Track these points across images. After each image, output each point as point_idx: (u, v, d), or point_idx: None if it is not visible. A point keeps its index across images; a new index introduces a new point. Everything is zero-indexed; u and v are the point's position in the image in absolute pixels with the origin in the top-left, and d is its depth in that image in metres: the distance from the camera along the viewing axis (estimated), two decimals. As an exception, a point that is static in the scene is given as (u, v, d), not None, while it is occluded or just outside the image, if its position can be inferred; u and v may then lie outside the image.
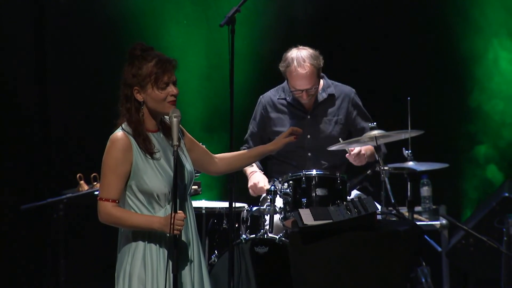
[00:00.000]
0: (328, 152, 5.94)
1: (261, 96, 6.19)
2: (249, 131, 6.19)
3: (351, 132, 6.05)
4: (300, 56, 5.88)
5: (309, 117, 6.06)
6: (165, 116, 4.21)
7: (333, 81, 6.14)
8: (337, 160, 5.98)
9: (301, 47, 5.94)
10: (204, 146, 4.44)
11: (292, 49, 5.93)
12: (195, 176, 4.35)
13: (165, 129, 4.22)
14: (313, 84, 5.90)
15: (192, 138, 4.38)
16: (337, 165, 5.96)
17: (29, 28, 7.39)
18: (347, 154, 5.76)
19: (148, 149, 4.14)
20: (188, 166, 4.23)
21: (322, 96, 6.07)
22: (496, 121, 7.32)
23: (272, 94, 6.14)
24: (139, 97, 4.15)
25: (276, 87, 6.16)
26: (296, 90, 5.91)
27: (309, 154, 6.03)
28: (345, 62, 7.20)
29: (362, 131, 5.97)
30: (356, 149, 5.77)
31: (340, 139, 5.81)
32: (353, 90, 6.12)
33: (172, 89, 4.15)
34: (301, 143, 5.99)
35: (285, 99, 6.10)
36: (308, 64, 5.86)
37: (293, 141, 4.66)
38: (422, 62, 7.33)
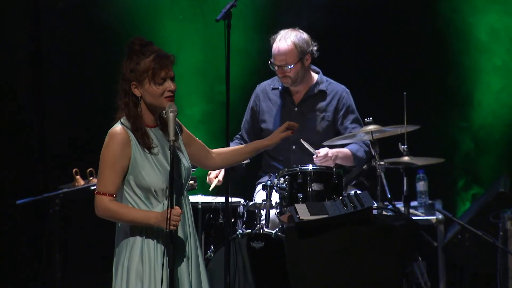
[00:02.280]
0: (313, 145, 5.97)
1: (258, 85, 6.24)
2: (243, 120, 6.23)
3: (339, 131, 6.06)
4: (289, 32, 5.98)
5: (296, 109, 6.08)
6: (163, 111, 4.21)
7: (328, 78, 6.15)
8: None
9: (299, 29, 6.00)
10: (201, 141, 4.45)
11: (285, 29, 6.00)
12: (192, 171, 4.35)
13: (163, 125, 4.22)
14: (289, 63, 5.93)
15: (190, 133, 4.39)
16: None
17: (25, 20, 7.38)
18: (314, 157, 5.74)
19: (146, 144, 4.14)
20: (185, 161, 4.24)
21: (312, 90, 6.09)
22: (493, 115, 7.33)
23: (267, 84, 6.21)
24: (137, 92, 4.15)
25: (273, 77, 6.20)
26: (273, 64, 5.94)
27: (294, 147, 6.05)
28: (341, 57, 7.20)
29: (345, 131, 6.00)
30: (322, 152, 5.76)
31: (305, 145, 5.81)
32: (347, 89, 6.13)
33: (169, 85, 4.15)
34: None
35: (278, 88, 6.14)
36: (290, 42, 5.93)
37: (290, 136, 4.66)
38: (418, 57, 7.33)
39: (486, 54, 7.31)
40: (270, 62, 5.99)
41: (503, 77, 7.31)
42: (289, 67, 5.93)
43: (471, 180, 7.37)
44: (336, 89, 6.12)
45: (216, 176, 5.86)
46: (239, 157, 4.56)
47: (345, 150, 5.93)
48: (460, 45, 7.33)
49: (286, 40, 5.94)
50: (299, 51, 5.94)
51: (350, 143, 6.02)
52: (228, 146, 4.87)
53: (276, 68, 5.98)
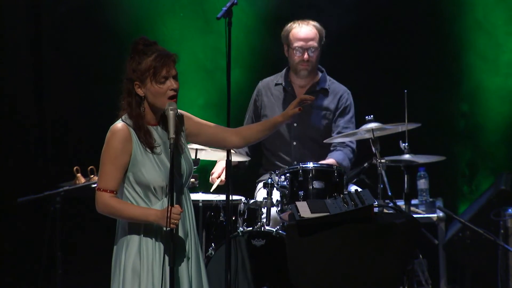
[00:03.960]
0: (313, 142, 5.97)
1: (260, 81, 6.25)
2: (246, 116, 6.24)
3: (332, 128, 6.07)
4: (304, 20, 6.05)
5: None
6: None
7: (331, 78, 6.16)
8: (322, 150, 5.99)
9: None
10: (215, 125, 4.41)
11: (295, 20, 6.03)
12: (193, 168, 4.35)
13: (165, 122, 4.21)
14: (315, 44, 5.96)
15: (200, 120, 4.37)
16: (322, 155, 5.95)
17: (26, 17, 7.38)
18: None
19: (148, 143, 4.14)
20: (187, 159, 4.23)
21: (315, 87, 6.10)
22: (493, 113, 7.32)
23: (270, 80, 6.22)
24: (140, 91, 4.15)
25: (276, 74, 6.21)
26: (298, 49, 5.94)
27: (295, 143, 6.06)
28: (342, 55, 7.20)
29: (336, 129, 6.00)
30: None
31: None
32: (348, 90, 6.14)
33: (171, 83, 4.15)
34: (288, 131, 6.04)
35: (281, 84, 6.14)
36: (312, 26, 6.03)
37: (298, 112, 4.59)
38: (418, 55, 7.33)
39: (488, 52, 7.30)
40: (292, 47, 5.97)
41: (505, 75, 7.30)
42: (313, 50, 5.94)
43: (472, 178, 7.37)
44: (338, 89, 6.13)
45: (218, 176, 5.87)
46: (257, 134, 4.49)
47: (331, 160, 5.92)
48: (462, 43, 7.32)
49: (307, 24, 6.01)
50: (320, 34, 6.01)
51: (340, 145, 6.02)
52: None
53: (298, 52, 5.96)
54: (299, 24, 6.03)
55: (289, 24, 6.07)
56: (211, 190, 5.86)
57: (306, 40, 5.98)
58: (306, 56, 5.98)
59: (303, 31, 5.99)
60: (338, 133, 5.99)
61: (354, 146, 6.04)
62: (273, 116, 6.09)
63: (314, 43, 5.98)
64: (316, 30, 6.01)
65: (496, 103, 7.30)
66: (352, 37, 7.32)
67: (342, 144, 6.02)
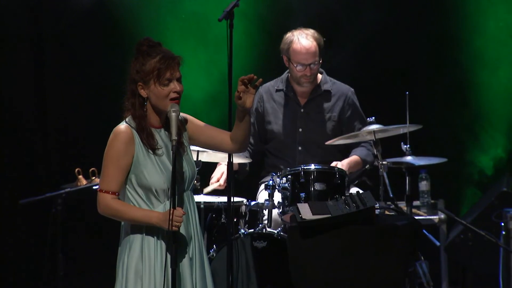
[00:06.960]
0: (319, 147, 5.96)
1: (260, 86, 6.22)
2: None
3: (343, 132, 6.03)
4: (303, 32, 5.96)
5: (302, 110, 6.07)
6: (170, 112, 4.19)
7: (331, 78, 6.14)
8: (327, 155, 5.98)
9: (302, 28, 5.99)
10: (214, 128, 4.37)
11: (293, 30, 5.97)
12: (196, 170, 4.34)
13: (169, 126, 4.20)
14: (316, 59, 5.91)
15: (200, 123, 4.34)
16: (327, 160, 5.94)
17: (28, 20, 7.38)
18: None
19: (151, 145, 4.14)
20: (190, 161, 4.23)
21: (317, 91, 6.08)
22: (495, 114, 7.32)
23: (270, 85, 6.18)
24: (143, 93, 4.14)
25: (276, 78, 6.19)
26: (300, 65, 5.90)
27: (300, 148, 6.04)
28: (343, 56, 7.20)
29: (353, 130, 5.98)
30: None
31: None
32: (351, 89, 6.12)
33: (175, 86, 4.14)
34: (293, 137, 6.02)
35: (282, 90, 6.12)
36: (311, 38, 5.90)
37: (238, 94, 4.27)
38: (420, 56, 7.32)
39: (491, 54, 7.30)
40: (294, 63, 5.93)
41: (508, 77, 7.30)
42: (315, 63, 5.91)
43: (474, 180, 7.36)
44: (341, 89, 6.11)
45: (217, 180, 5.86)
46: (238, 131, 4.32)
47: (355, 157, 5.90)
48: (463, 45, 7.32)
49: (306, 37, 5.92)
50: (319, 46, 5.96)
51: (355, 144, 6.00)
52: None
53: (300, 67, 5.93)
54: (297, 37, 5.94)
55: (287, 36, 5.98)
56: (204, 192, 5.84)
57: (307, 56, 5.91)
58: (308, 72, 5.95)
59: (304, 46, 5.90)
60: None
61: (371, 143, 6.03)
62: (277, 122, 6.10)
63: (315, 58, 5.93)
64: (316, 42, 5.92)
65: (498, 105, 7.30)
66: (354, 39, 7.31)
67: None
